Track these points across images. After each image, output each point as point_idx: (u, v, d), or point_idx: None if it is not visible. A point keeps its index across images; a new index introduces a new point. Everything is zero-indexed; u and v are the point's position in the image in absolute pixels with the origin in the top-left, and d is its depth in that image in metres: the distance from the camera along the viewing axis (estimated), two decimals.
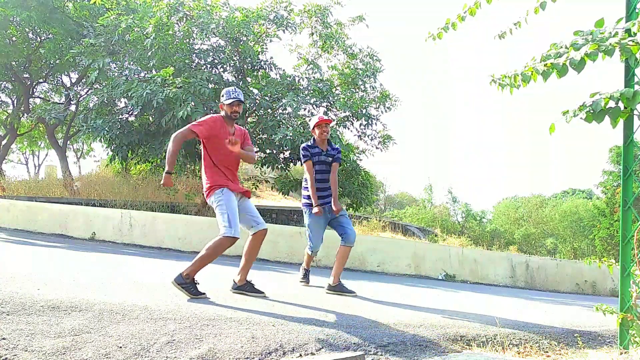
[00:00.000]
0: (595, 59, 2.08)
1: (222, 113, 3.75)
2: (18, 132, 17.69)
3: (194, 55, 11.22)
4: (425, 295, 5.59)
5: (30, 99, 16.30)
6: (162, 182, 3.56)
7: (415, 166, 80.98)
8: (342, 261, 4.39)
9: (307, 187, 4.48)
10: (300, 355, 2.27)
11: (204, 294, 3.30)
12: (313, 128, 4.48)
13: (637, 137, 2.46)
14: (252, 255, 3.73)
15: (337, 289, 4.32)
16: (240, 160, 3.85)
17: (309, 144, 4.52)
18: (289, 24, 11.07)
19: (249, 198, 3.81)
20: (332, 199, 4.37)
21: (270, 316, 2.86)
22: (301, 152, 4.49)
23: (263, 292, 3.66)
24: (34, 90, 16.55)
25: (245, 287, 3.68)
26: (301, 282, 4.84)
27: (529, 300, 6.53)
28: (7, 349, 1.82)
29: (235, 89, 3.74)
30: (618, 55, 2.10)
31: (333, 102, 11.17)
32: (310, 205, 4.42)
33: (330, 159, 4.48)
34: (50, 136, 15.32)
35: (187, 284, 3.28)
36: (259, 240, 3.70)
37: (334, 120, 4.27)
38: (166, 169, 3.49)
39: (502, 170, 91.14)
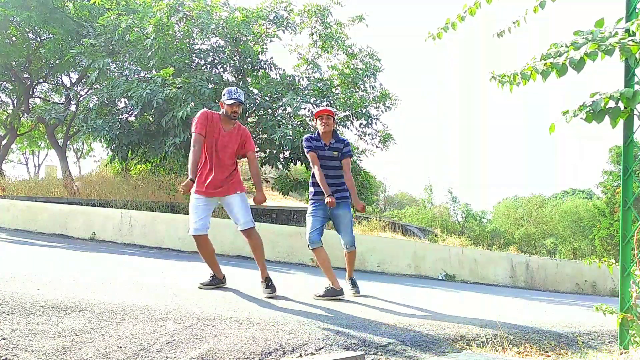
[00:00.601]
0: (595, 59, 2.08)
1: (222, 111, 3.78)
2: (18, 132, 17.68)
3: (194, 55, 11.23)
4: (425, 295, 5.59)
5: (30, 99, 16.29)
6: (182, 186, 3.50)
7: (415, 166, 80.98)
8: (349, 264, 4.39)
9: (314, 183, 4.20)
10: (300, 355, 2.27)
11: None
12: (315, 120, 4.24)
13: (637, 137, 2.46)
14: (255, 251, 3.79)
15: (351, 282, 4.39)
16: (236, 156, 3.85)
17: (312, 135, 4.24)
18: (289, 24, 11.08)
19: (238, 192, 3.74)
20: (353, 197, 4.11)
21: (270, 316, 2.86)
22: (303, 142, 4.21)
23: (275, 292, 3.73)
24: (34, 90, 16.55)
25: (266, 283, 3.79)
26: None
27: (529, 300, 6.53)
28: (7, 349, 1.82)
29: (236, 89, 3.78)
30: (618, 55, 2.09)
31: (333, 101, 11.18)
32: (315, 201, 4.18)
33: (336, 153, 4.17)
34: (50, 136, 15.32)
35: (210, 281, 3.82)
36: (249, 238, 3.74)
37: (336, 113, 3.93)
38: (190, 176, 3.49)
39: (502, 170, 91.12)
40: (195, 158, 3.57)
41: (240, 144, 3.83)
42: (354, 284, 4.41)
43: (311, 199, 4.25)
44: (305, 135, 4.27)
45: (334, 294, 3.93)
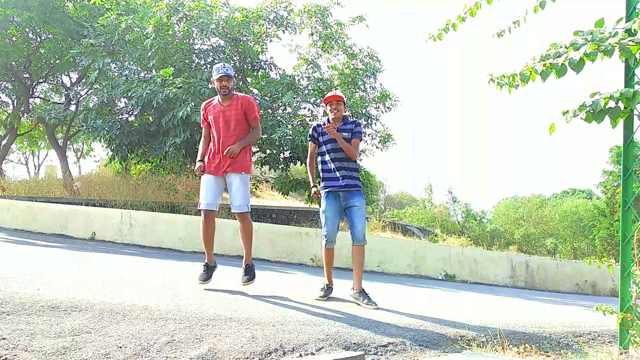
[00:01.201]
0: (595, 59, 2.08)
1: (215, 89, 3.93)
2: (18, 132, 17.68)
3: (194, 55, 11.24)
4: (425, 295, 5.59)
5: (30, 99, 16.29)
6: (196, 169, 3.86)
7: (415, 166, 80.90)
8: (356, 263, 3.90)
9: (323, 170, 4.02)
10: (300, 355, 2.27)
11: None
12: (325, 106, 4.08)
13: (637, 137, 2.46)
14: (243, 235, 3.88)
15: (356, 296, 3.83)
16: (245, 129, 3.88)
17: (320, 122, 4.10)
18: (289, 24, 11.08)
19: (240, 173, 3.76)
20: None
21: (270, 316, 2.86)
22: (309, 130, 4.13)
23: (252, 280, 3.87)
24: (34, 90, 16.55)
25: (245, 270, 3.89)
26: (319, 299, 3.87)
27: (528, 300, 6.53)
28: (7, 349, 1.82)
29: (223, 65, 3.85)
30: (618, 56, 2.09)
31: None
32: (327, 192, 3.94)
33: (346, 134, 3.93)
34: (50, 136, 15.32)
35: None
36: (241, 222, 3.82)
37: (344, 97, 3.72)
38: (198, 158, 3.90)
39: (502, 170, 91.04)
40: (202, 146, 3.92)
41: (243, 113, 3.82)
42: (364, 296, 3.80)
43: (322, 189, 4.02)
44: (314, 123, 4.17)
45: (331, 292, 4.00)
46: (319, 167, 4.12)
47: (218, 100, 3.88)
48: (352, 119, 4.09)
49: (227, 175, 3.78)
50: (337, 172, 3.93)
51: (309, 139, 4.14)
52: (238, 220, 3.82)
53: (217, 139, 3.81)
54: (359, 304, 3.73)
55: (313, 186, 4.09)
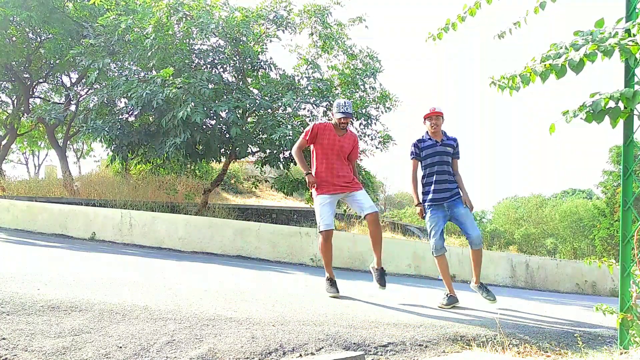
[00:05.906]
0: (594, 60, 2.08)
1: (333, 121, 4.18)
2: (18, 132, 17.67)
3: (194, 55, 11.22)
4: (426, 295, 5.59)
5: (30, 99, 16.28)
6: (309, 183, 4.08)
7: None
8: (475, 264, 4.23)
9: (424, 184, 4.29)
10: (300, 355, 2.27)
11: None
12: (424, 121, 4.29)
13: (637, 137, 2.46)
14: (374, 240, 4.04)
15: (479, 288, 4.25)
16: (346, 159, 4.21)
17: (420, 137, 4.32)
18: (289, 24, 11.07)
19: (357, 190, 4.09)
20: (463, 196, 4.22)
21: (270, 316, 2.86)
22: (410, 148, 4.33)
23: (383, 286, 4.03)
24: (34, 90, 16.54)
25: (376, 273, 4.07)
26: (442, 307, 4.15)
27: (528, 300, 6.53)
28: (7, 349, 1.82)
29: (345, 102, 4.11)
30: (618, 56, 2.09)
31: (333, 101, 11.18)
32: (430, 205, 4.23)
33: (450, 149, 4.22)
34: (50, 136, 15.31)
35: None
36: (373, 224, 3.98)
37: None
38: (305, 171, 4.13)
39: (502, 170, 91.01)
40: (302, 159, 4.18)
41: (352, 147, 4.24)
42: (484, 289, 4.25)
43: (428, 203, 4.25)
44: (414, 141, 4.35)
45: (453, 301, 4.17)
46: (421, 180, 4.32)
47: (333, 129, 4.16)
48: (451, 135, 4.30)
49: (352, 193, 4.07)
50: (441, 185, 4.20)
51: (411, 157, 4.30)
52: (370, 224, 3.98)
53: (329, 162, 4.10)
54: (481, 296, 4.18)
55: (418, 204, 4.29)
